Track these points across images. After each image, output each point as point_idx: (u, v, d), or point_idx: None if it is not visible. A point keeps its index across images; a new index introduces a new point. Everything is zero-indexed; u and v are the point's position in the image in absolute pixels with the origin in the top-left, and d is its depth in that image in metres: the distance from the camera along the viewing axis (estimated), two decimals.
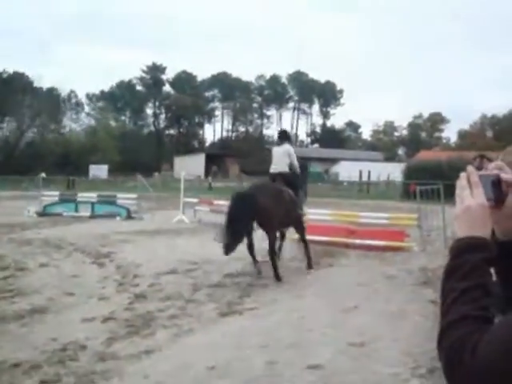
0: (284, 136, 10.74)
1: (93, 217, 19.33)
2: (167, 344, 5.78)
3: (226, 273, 9.57)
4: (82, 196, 21.60)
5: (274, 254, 9.14)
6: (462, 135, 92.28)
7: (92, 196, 21.24)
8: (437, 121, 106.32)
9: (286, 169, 10.15)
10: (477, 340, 1.03)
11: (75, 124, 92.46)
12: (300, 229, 10.36)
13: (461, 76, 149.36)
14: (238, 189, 10.40)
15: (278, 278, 9.00)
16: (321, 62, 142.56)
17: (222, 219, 16.75)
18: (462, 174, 1.26)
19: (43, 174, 23.80)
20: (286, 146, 10.30)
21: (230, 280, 9.07)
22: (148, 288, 8.40)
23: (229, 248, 8.73)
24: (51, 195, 22.05)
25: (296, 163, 10.36)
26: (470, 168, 1.27)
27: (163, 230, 15.83)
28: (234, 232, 8.70)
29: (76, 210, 20.23)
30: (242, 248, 10.83)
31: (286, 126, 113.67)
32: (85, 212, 19.92)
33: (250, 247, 9.44)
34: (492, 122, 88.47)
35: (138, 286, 8.50)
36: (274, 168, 10.19)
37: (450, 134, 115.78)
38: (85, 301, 7.65)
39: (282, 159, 10.15)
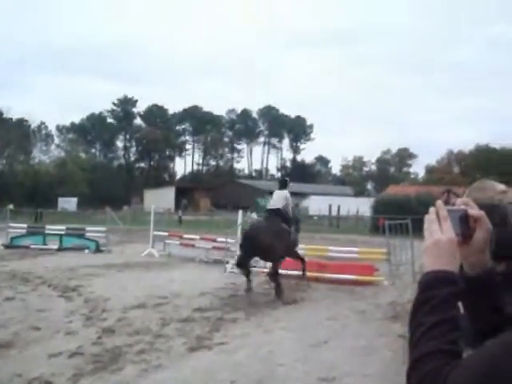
0: (284, 184, 12.47)
1: (61, 250, 19.00)
2: (136, 380, 5.68)
3: (195, 307, 9.49)
4: (50, 228, 21.18)
5: (277, 275, 10.82)
6: (430, 170, 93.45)
7: (60, 229, 20.88)
8: (404, 156, 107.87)
9: (280, 206, 11.77)
10: (446, 374, 1.03)
11: (45, 156, 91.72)
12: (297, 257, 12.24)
13: (427, 112, 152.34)
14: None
15: (280, 296, 10.48)
16: (291, 97, 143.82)
17: (191, 253, 16.84)
18: (431, 209, 1.28)
19: (11, 206, 23.45)
20: (285, 192, 12.03)
21: (199, 314, 8.99)
22: (116, 322, 8.28)
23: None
24: (19, 227, 21.70)
25: (290, 207, 12.00)
26: (439, 203, 1.28)
27: (132, 264, 15.65)
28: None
29: (44, 243, 19.83)
30: (209, 283, 10.96)
31: (257, 161, 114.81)
32: (53, 245, 19.56)
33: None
34: (458, 157, 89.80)
35: (106, 321, 8.38)
36: (272, 205, 11.92)
37: (417, 169, 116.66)
38: (51, 335, 7.50)
39: (280, 200, 11.83)
